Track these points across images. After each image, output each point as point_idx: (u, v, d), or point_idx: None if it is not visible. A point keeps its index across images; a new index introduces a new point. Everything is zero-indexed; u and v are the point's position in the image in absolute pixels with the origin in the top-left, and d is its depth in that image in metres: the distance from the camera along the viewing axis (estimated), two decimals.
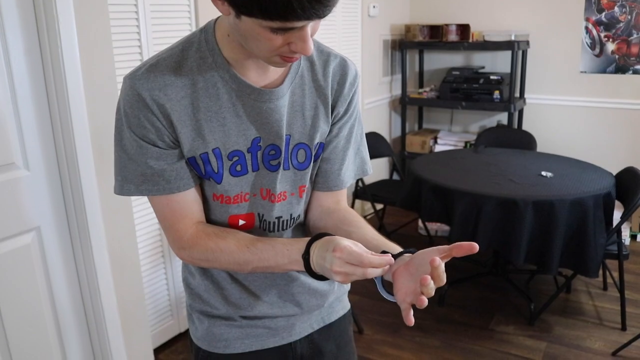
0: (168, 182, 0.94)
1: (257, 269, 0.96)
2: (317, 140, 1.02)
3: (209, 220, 1.03)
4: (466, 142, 4.19)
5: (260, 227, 1.03)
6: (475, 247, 0.81)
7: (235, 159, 0.95)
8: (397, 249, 0.93)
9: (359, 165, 1.12)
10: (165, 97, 0.90)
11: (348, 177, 1.10)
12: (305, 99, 1.00)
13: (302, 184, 1.03)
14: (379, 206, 3.97)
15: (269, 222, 1.03)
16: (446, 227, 3.94)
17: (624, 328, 2.74)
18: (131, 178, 0.94)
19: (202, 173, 0.96)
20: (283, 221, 1.04)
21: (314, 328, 1.15)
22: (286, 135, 0.98)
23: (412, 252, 0.89)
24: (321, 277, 0.92)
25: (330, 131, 1.05)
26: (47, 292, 1.85)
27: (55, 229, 1.84)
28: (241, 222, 1.01)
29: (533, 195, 2.58)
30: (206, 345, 1.10)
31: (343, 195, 1.12)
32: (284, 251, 0.93)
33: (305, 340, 1.15)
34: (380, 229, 3.95)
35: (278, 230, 1.04)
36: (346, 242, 0.86)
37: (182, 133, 0.92)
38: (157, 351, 2.51)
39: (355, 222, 1.03)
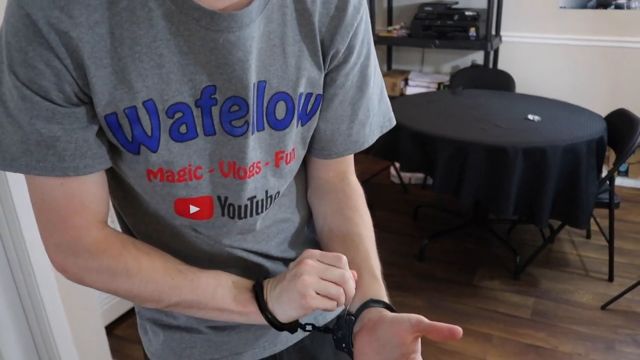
0: (61, 158, 0.62)
1: (181, 303, 0.70)
2: (303, 89, 0.71)
3: (147, 211, 0.73)
4: (439, 84, 3.93)
5: (224, 215, 0.72)
6: (458, 333, 0.60)
7: (178, 115, 0.64)
8: (380, 293, 0.72)
9: (385, 113, 0.83)
10: (69, 20, 0.56)
11: (367, 133, 0.80)
12: (286, 28, 0.67)
13: (280, 149, 0.72)
14: None
15: (238, 207, 0.72)
16: (420, 175, 3.73)
17: (610, 279, 2.62)
18: (7, 145, 0.62)
19: (126, 140, 0.64)
20: (257, 202, 0.74)
21: (306, 333, 0.88)
22: (260, 81, 0.66)
23: (383, 306, 0.69)
24: (279, 326, 0.70)
25: (333, 80, 0.74)
26: None
27: None
28: (193, 209, 0.71)
29: (523, 142, 2.36)
30: None
31: (349, 166, 0.84)
32: (228, 281, 0.72)
33: (294, 349, 0.87)
34: None
35: (252, 214, 0.74)
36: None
37: (96, 77, 0.59)
38: (113, 326, 2.23)
39: (351, 231, 0.78)
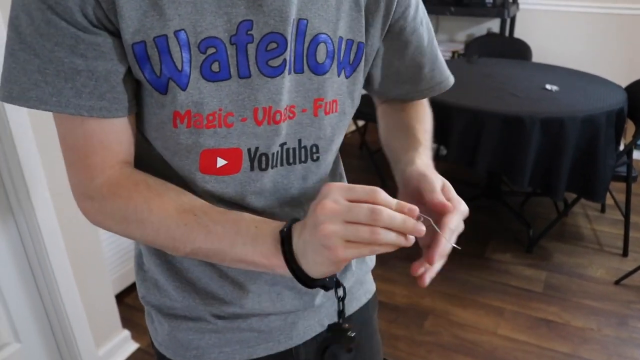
0: (78, 94, 0.57)
1: (198, 252, 0.62)
2: (342, 33, 0.66)
3: (166, 174, 0.67)
4: (454, 52, 3.84)
5: (253, 169, 0.67)
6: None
7: (211, 51, 0.59)
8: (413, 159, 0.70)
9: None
10: None
11: (448, 74, 0.82)
12: None
13: (319, 96, 0.67)
14: (361, 122, 3.65)
15: (272, 155, 0.67)
16: (432, 145, 3.67)
17: (625, 254, 2.58)
18: (16, 76, 0.56)
19: (154, 75, 0.59)
20: (289, 150, 0.68)
21: (325, 325, 0.80)
22: (301, 19, 0.62)
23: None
24: (305, 281, 0.58)
25: (402, 28, 0.73)
26: None
27: None
28: (220, 162, 0.65)
29: (540, 112, 2.29)
30: (171, 354, 0.78)
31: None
32: (251, 228, 0.60)
33: (312, 343, 0.82)
34: (362, 147, 3.67)
35: (282, 163, 0.68)
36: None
37: (124, 0, 0.55)
38: (123, 295, 2.23)
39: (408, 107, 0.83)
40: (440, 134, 2.51)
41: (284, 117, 0.65)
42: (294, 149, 0.68)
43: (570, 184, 2.36)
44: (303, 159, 0.70)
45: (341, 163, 0.84)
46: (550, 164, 2.31)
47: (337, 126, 0.71)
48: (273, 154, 0.67)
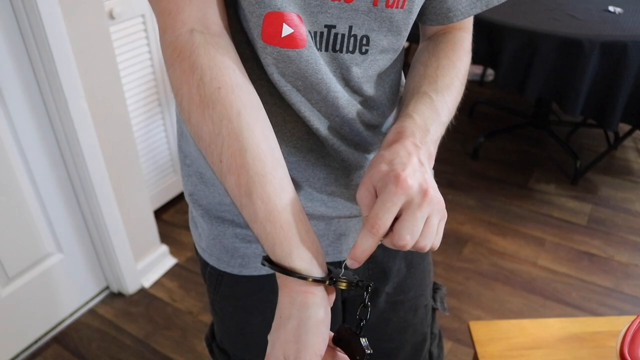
0: None
1: (225, 181, 0.55)
2: None
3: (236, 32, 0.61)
4: None
5: (316, 45, 0.61)
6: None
7: None
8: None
9: None
10: None
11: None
12: None
13: None
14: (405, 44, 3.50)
15: (316, 34, 0.60)
16: (478, 71, 3.51)
17: None
18: None
19: None
20: (336, 35, 0.60)
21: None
22: None
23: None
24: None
25: None
26: (20, 159, 1.50)
27: (18, 82, 1.43)
28: (286, 30, 0.57)
29: (601, 35, 2.12)
30: (215, 261, 0.75)
31: (468, 21, 0.74)
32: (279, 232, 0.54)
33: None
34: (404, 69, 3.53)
35: (327, 49, 0.61)
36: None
37: None
38: (160, 212, 2.24)
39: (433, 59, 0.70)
40: (489, 57, 2.38)
41: None
42: (342, 35, 0.61)
43: (627, 114, 2.22)
44: (351, 48, 0.62)
45: (402, 77, 0.76)
46: (607, 92, 2.17)
47: (398, 24, 0.63)
48: (316, 32, 0.60)
